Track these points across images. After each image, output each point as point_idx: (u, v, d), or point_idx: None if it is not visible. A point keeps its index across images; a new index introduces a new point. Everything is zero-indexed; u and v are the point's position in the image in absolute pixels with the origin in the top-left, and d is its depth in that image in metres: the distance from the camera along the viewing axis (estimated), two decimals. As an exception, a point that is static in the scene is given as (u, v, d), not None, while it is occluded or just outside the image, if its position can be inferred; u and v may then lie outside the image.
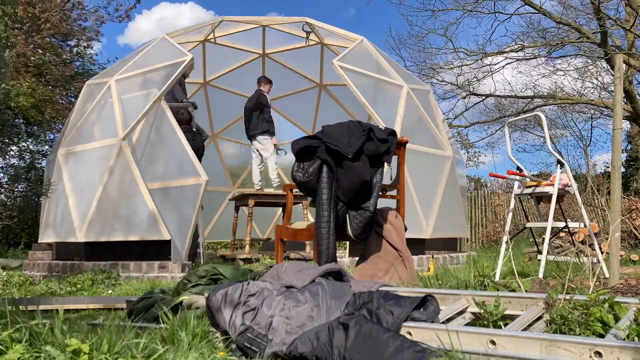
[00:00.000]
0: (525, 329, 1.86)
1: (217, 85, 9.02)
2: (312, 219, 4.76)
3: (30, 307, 1.83)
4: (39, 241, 6.53)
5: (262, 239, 9.61)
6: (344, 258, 5.46)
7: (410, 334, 1.85)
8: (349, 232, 3.26)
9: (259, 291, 2.13)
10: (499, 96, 14.12)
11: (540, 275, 3.64)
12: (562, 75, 13.53)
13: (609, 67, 11.85)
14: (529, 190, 4.23)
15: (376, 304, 1.99)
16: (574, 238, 5.53)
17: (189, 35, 7.59)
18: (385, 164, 3.35)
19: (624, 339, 1.70)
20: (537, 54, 12.32)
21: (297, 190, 3.42)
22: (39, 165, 10.61)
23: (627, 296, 2.47)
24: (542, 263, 3.78)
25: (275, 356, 1.85)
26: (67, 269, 5.50)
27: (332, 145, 3.14)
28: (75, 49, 12.44)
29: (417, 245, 5.87)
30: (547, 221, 3.99)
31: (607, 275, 3.38)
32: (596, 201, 9.53)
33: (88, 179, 5.85)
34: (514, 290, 2.56)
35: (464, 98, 13.92)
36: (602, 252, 4.25)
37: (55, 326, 1.66)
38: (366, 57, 6.88)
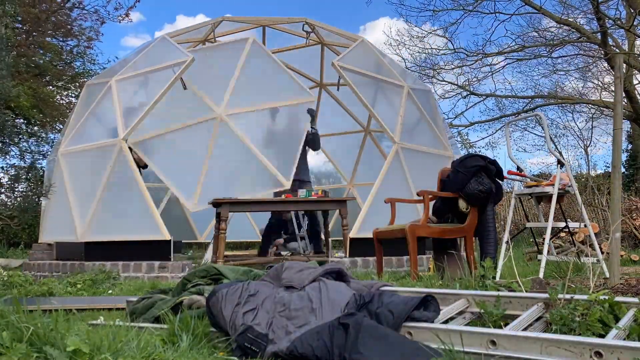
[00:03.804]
0: (525, 329, 1.86)
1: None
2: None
3: (30, 307, 1.83)
4: (39, 241, 6.54)
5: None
6: (344, 258, 5.46)
7: (410, 333, 1.85)
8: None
9: (259, 291, 2.13)
10: (499, 96, 14.12)
11: (541, 275, 3.63)
12: (563, 75, 13.54)
13: (609, 67, 11.85)
14: (529, 190, 4.23)
15: (376, 304, 1.99)
16: (574, 238, 5.53)
17: (188, 35, 7.58)
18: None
19: (624, 339, 1.70)
20: (537, 54, 12.31)
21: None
22: (40, 166, 10.63)
23: (628, 296, 2.47)
24: (542, 263, 3.78)
25: (276, 356, 1.85)
26: (67, 269, 5.51)
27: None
28: (76, 49, 12.45)
29: (418, 245, 5.84)
30: (547, 221, 3.99)
31: (608, 275, 3.38)
32: (596, 201, 9.52)
33: (88, 178, 5.85)
34: (514, 290, 2.56)
35: (464, 98, 13.92)
36: (602, 252, 4.25)
37: (55, 326, 1.66)
38: (366, 57, 6.88)
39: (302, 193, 5.93)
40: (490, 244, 4.17)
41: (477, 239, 4.50)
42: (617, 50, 10.91)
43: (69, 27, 11.46)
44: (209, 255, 6.56)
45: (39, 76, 11.27)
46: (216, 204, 5.62)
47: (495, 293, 2.17)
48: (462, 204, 4.18)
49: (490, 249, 4.17)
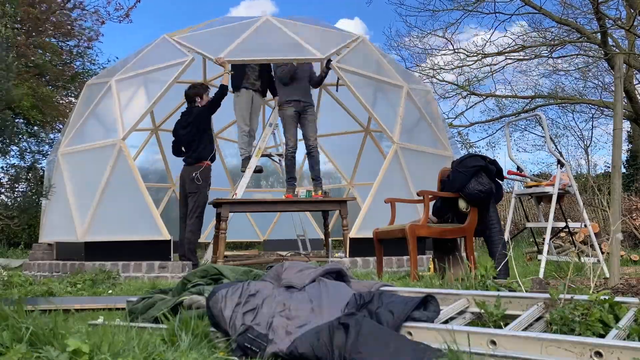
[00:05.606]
0: (525, 329, 1.86)
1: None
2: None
3: (30, 307, 1.83)
4: (40, 241, 6.54)
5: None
6: (344, 258, 5.46)
7: (410, 334, 1.85)
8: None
9: (259, 291, 2.13)
10: (499, 96, 14.12)
11: (541, 275, 3.64)
12: (563, 75, 13.55)
13: (609, 67, 11.84)
14: (529, 190, 4.24)
15: (376, 304, 1.99)
16: (574, 238, 5.53)
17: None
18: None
19: (624, 339, 1.70)
20: (537, 54, 12.31)
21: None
22: (40, 166, 10.64)
23: (628, 296, 2.47)
24: (543, 263, 3.78)
25: (276, 356, 1.85)
26: (68, 269, 5.50)
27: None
28: (76, 49, 12.46)
29: (418, 245, 5.85)
30: (547, 221, 3.99)
31: (608, 276, 3.38)
32: (597, 201, 9.52)
33: (88, 178, 5.85)
34: (514, 290, 2.56)
35: (464, 98, 13.92)
36: (602, 252, 4.25)
37: (55, 326, 1.66)
38: (366, 57, 6.87)
39: (302, 193, 5.93)
40: (496, 244, 4.14)
41: (479, 239, 4.50)
42: (617, 50, 10.90)
43: (69, 27, 11.48)
44: (209, 255, 6.56)
45: (39, 76, 11.28)
46: (216, 204, 5.62)
47: (495, 293, 2.17)
48: (462, 204, 4.18)
49: (497, 250, 4.13)
